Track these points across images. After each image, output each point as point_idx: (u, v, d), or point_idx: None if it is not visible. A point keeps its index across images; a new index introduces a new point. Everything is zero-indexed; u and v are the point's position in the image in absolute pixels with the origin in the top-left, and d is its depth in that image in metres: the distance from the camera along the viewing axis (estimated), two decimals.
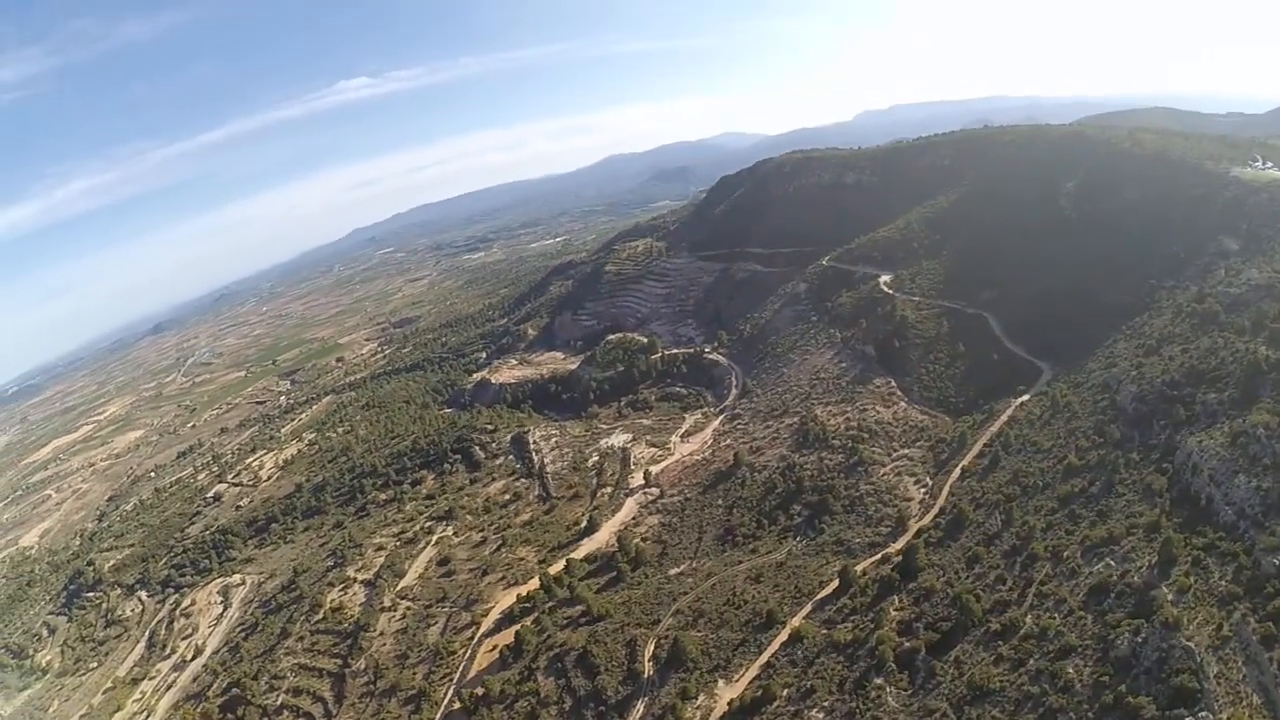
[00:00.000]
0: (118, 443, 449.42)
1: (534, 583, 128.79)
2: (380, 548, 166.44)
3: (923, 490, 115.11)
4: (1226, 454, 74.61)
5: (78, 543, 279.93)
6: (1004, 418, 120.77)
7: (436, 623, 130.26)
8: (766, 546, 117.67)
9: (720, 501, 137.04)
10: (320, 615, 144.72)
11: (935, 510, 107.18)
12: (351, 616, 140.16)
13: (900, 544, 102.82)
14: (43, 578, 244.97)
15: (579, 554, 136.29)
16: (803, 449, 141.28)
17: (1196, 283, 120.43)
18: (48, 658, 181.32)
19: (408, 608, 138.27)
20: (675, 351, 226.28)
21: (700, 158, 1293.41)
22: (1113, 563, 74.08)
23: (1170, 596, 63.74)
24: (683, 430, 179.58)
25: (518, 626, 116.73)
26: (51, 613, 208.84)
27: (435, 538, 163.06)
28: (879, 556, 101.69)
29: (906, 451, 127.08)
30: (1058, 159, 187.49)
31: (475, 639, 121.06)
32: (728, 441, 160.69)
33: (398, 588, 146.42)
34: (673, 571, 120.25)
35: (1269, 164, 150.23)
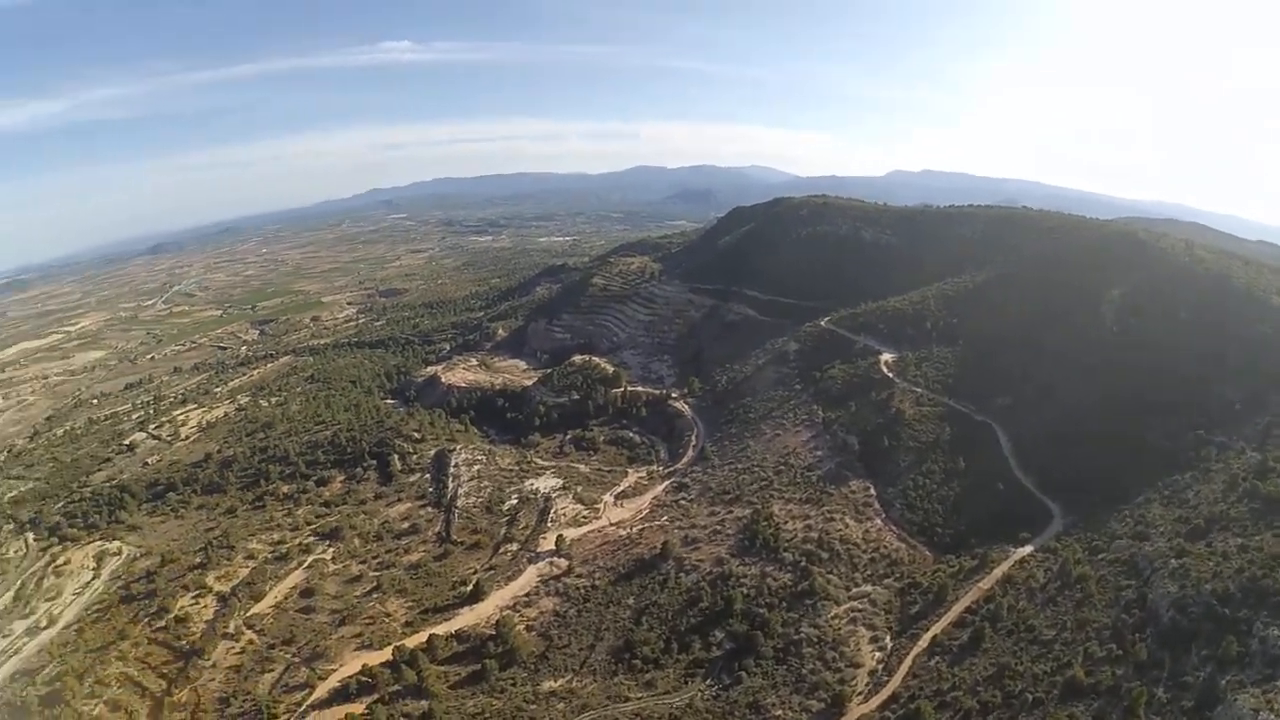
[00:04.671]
0: (78, 359, 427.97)
1: (387, 653, 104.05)
2: (251, 556, 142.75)
3: (878, 654, 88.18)
4: None
5: (3, 457, 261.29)
6: (998, 573, 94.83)
7: (273, 670, 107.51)
8: (667, 682, 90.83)
9: (632, 601, 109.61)
10: (163, 623, 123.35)
11: (887, 693, 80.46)
12: (193, 634, 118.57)
13: None
14: None
15: (452, 626, 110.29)
16: (746, 555, 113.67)
17: (1257, 447, 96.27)
18: None
19: (250, 642, 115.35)
20: (640, 389, 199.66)
21: (727, 184, 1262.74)
22: None
23: None
24: (620, 489, 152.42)
25: (347, 711, 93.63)
26: None
27: (310, 559, 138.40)
28: None
29: (870, 590, 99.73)
30: (1103, 259, 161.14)
31: (302, 708, 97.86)
32: (664, 519, 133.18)
33: (249, 612, 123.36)
34: (545, 686, 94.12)
35: None
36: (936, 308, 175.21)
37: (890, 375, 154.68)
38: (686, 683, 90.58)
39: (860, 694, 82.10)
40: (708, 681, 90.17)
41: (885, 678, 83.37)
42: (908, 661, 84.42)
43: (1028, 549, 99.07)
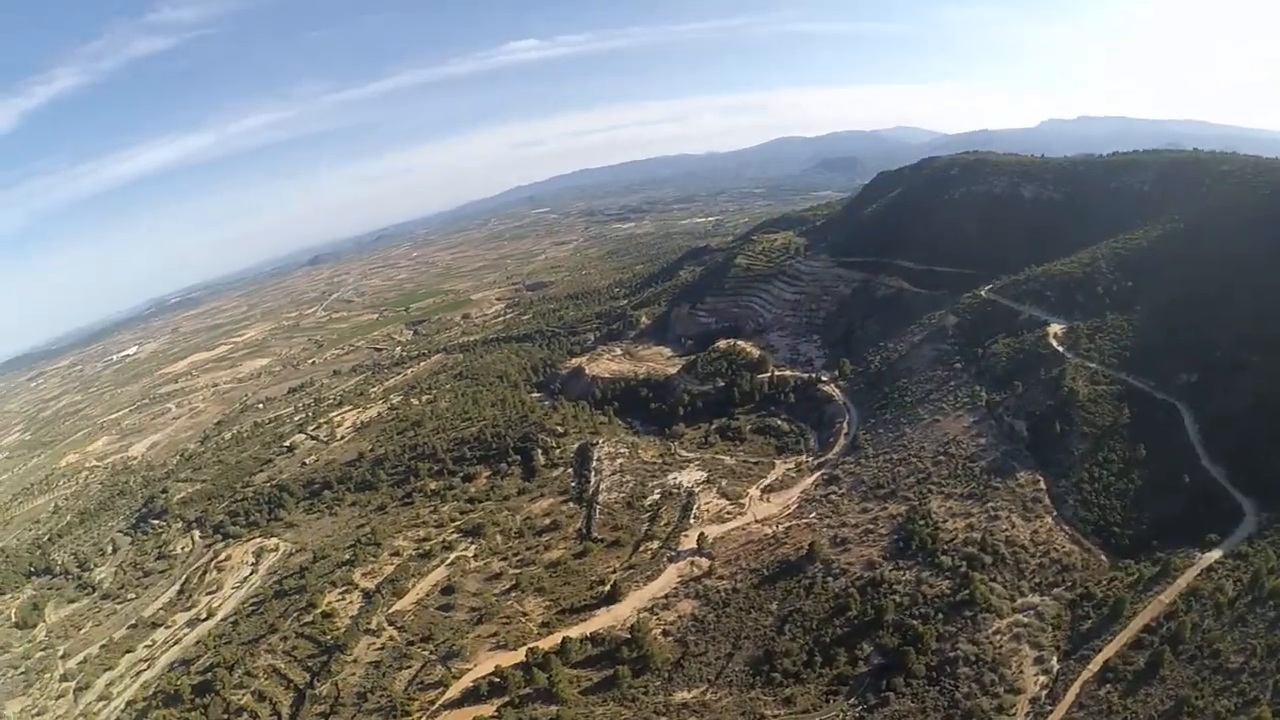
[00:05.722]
0: (245, 367, 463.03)
1: (520, 654, 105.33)
2: (396, 553, 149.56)
3: (1042, 679, 79.43)
4: None
5: (175, 460, 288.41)
6: (1182, 583, 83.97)
7: (410, 667, 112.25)
8: (807, 699, 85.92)
9: (774, 607, 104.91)
10: (310, 618, 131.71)
11: None
12: (337, 629, 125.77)
13: None
14: (131, 491, 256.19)
15: (587, 628, 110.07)
16: (900, 558, 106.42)
17: None
18: (101, 575, 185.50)
19: (390, 638, 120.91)
20: (787, 374, 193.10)
21: (870, 149, 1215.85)
22: None
23: None
24: (766, 482, 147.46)
25: (476, 714, 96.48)
26: (121, 531, 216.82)
27: (453, 556, 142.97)
28: None
29: (1037, 602, 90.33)
30: None
31: (434, 706, 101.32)
32: (812, 516, 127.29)
33: (391, 609, 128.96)
34: (678, 697, 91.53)
35: None
36: (1108, 270, 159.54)
37: (1060, 349, 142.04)
38: (828, 701, 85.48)
39: None
40: (851, 701, 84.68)
41: (1049, 706, 75.25)
42: (1075, 689, 75.81)
43: (1216, 554, 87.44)
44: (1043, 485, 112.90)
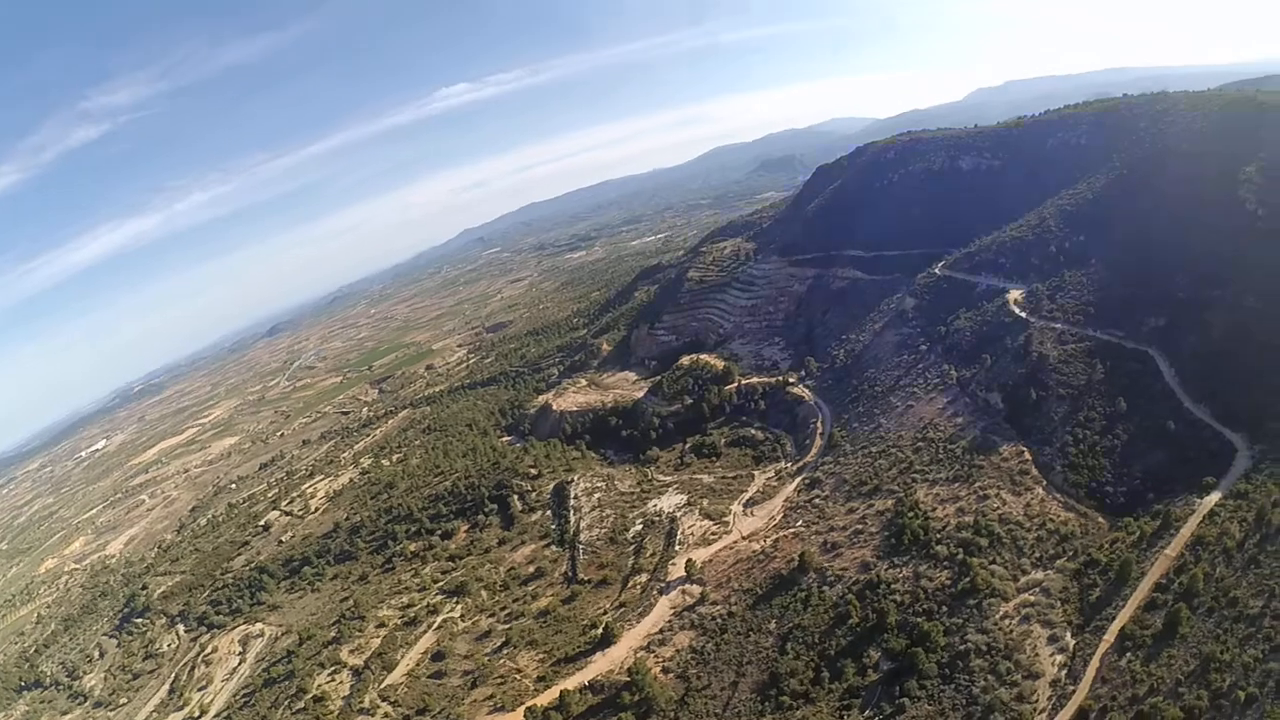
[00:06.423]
0: (214, 448, 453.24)
1: (519, 716, 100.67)
2: (382, 624, 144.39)
3: (1059, 658, 75.70)
4: None
5: (153, 554, 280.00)
6: (1186, 533, 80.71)
7: None
8: (820, 718, 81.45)
9: (773, 626, 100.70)
10: (302, 704, 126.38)
11: (1073, 708, 68.30)
12: (330, 713, 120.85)
13: None
14: (113, 591, 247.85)
15: (584, 676, 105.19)
16: (895, 554, 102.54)
17: None
18: (91, 683, 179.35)
19: (385, 715, 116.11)
20: (754, 381, 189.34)
21: (807, 145, 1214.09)
22: None
23: None
24: (748, 496, 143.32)
25: None
26: (106, 634, 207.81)
27: (439, 620, 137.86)
28: None
29: (1041, 577, 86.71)
30: (1229, 134, 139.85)
31: None
32: (799, 524, 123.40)
33: (383, 684, 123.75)
34: None
35: None
36: (1058, 228, 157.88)
37: (1023, 315, 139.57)
38: (842, 717, 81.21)
39: (1043, 711, 70.54)
40: (866, 714, 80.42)
41: (1070, 687, 71.37)
42: (1094, 663, 72.08)
43: (1215, 496, 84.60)
44: (1027, 456, 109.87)
